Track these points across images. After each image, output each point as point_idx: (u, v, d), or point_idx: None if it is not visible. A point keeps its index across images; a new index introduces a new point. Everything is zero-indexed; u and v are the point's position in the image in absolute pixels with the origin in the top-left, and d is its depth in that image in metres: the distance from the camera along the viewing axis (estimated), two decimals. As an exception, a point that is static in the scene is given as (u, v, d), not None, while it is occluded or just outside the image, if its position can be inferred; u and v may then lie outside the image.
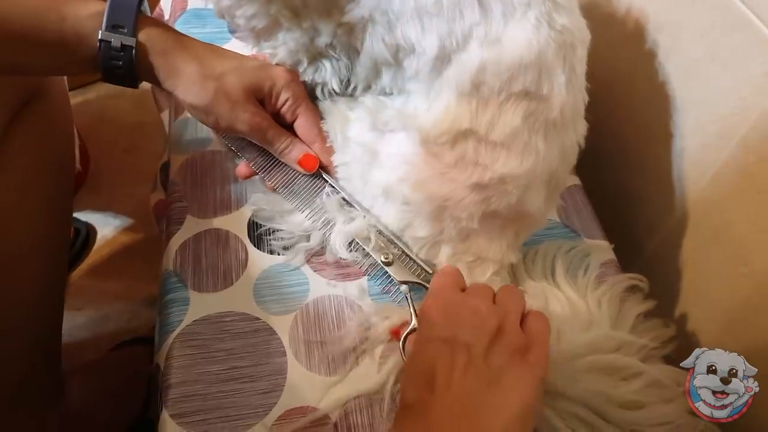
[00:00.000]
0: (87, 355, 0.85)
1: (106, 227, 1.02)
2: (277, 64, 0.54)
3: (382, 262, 0.50)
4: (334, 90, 0.55)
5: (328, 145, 0.54)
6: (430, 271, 0.50)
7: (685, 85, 0.56)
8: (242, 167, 0.56)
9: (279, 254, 0.54)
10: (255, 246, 0.55)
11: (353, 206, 0.53)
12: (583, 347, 0.48)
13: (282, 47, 0.53)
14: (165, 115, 0.72)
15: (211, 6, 0.53)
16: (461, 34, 0.44)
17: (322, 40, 0.51)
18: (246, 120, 0.51)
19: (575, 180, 0.64)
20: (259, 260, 0.54)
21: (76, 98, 1.16)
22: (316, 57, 0.53)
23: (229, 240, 0.55)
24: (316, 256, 0.54)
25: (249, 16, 0.50)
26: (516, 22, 0.43)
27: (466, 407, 0.36)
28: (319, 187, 0.54)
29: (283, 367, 0.48)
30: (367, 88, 0.54)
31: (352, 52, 0.52)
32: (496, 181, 0.46)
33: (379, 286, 0.52)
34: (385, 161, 0.49)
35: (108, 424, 0.76)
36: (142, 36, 0.48)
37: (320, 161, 0.54)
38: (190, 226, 0.55)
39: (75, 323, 0.90)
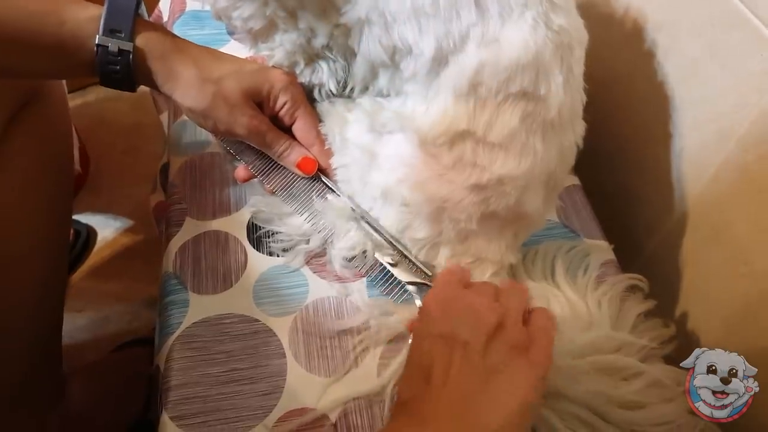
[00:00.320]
0: (87, 356, 0.85)
1: (107, 229, 1.02)
2: (275, 67, 0.54)
3: (388, 263, 0.51)
4: (331, 91, 0.55)
5: (326, 147, 0.54)
6: (429, 273, 0.50)
7: (683, 85, 0.56)
8: (241, 170, 0.56)
9: (278, 256, 0.54)
10: (254, 248, 0.55)
11: (352, 209, 0.53)
12: (583, 347, 0.48)
13: (279, 49, 0.52)
14: (164, 117, 0.72)
15: (208, 8, 0.53)
16: (458, 35, 0.43)
17: (319, 41, 0.51)
18: (244, 123, 0.51)
19: (574, 180, 0.64)
20: (258, 262, 0.54)
21: (75, 100, 1.16)
22: (313, 58, 0.53)
23: (228, 242, 0.55)
24: (316, 257, 0.54)
25: (245, 17, 0.50)
26: (513, 23, 0.43)
27: (461, 404, 0.36)
28: (318, 190, 0.54)
29: (283, 369, 0.48)
30: (365, 89, 0.54)
31: (349, 54, 0.52)
32: (495, 182, 0.46)
33: (380, 288, 0.52)
34: (384, 163, 0.49)
35: (108, 426, 0.76)
36: (140, 40, 0.48)
37: (319, 164, 0.54)
38: (190, 228, 0.55)
39: (75, 325, 0.90)
